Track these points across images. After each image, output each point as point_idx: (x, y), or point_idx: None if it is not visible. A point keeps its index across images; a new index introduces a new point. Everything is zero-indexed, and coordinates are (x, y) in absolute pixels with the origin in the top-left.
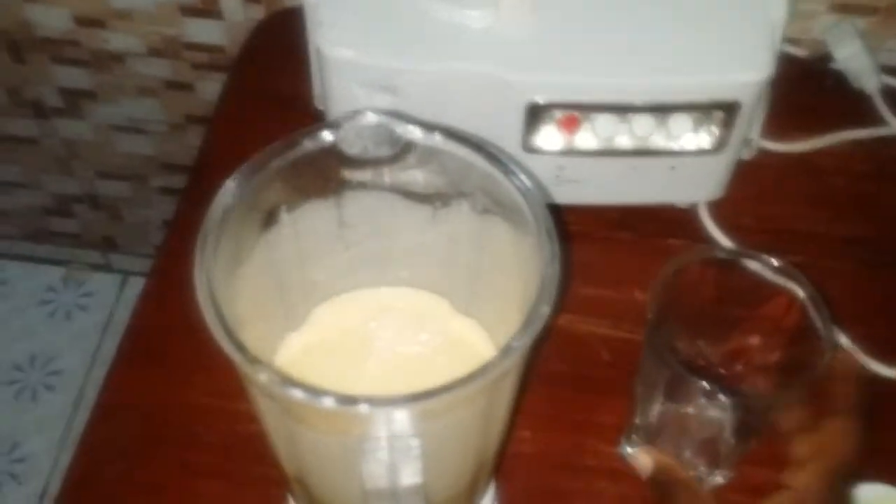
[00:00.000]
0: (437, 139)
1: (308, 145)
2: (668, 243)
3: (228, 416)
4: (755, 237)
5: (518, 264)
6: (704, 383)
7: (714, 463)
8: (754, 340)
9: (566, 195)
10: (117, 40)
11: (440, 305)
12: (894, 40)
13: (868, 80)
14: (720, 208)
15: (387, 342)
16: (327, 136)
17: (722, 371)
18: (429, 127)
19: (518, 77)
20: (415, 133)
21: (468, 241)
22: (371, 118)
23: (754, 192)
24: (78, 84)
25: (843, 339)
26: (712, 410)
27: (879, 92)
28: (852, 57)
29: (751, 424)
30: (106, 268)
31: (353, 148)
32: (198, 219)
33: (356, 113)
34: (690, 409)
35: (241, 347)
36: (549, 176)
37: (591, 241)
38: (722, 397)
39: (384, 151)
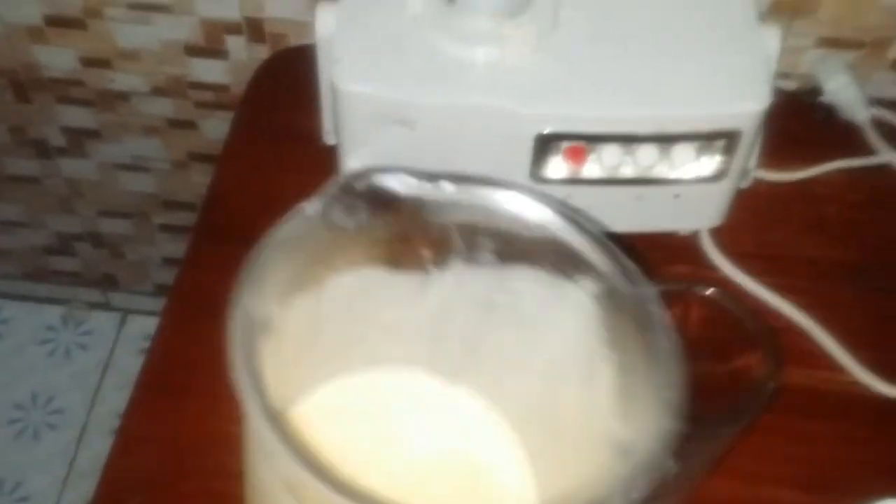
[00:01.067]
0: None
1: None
2: (671, 270)
3: None
4: (754, 262)
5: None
6: None
7: None
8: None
9: None
10: (122, 80)
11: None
12: (882, 72)
13: (858, 111)
14: (721, 235)
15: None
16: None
17: None
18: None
19: (527, 110)
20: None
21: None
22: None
23: (752, 219)
24: (82, 123)
25: (844, 359)
26: None
27: (869, 123)
28: (841, 89)
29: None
30: (105, 306)
31: None
32: (210, 252)
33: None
34: None
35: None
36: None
37: None
38: None
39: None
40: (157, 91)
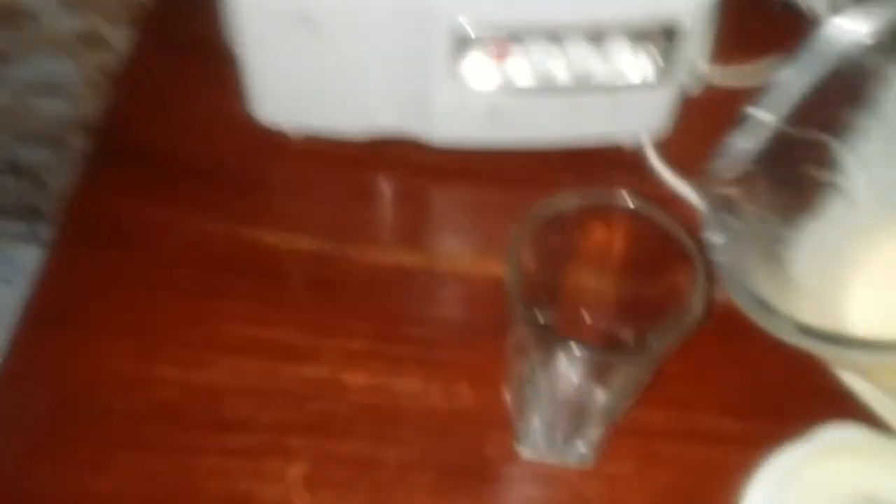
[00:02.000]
0: None
1: None
2: (616, 184)
3: (145, 382)
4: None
5: None
6: (566, 341)
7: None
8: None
9: (504, 137)
10: None
11: None
12: None
13: (817, 1)
14: (668, 146)
15: None
16: None
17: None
18: None
19: (441, 1)
20: None
21: None
22: None
23: (703, 127)
24: None
25: None
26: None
27: (829, 11)
28: None
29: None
30: (32, 238)
31: None
32: (109, 180)
33: None
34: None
35: None
36: (483, 116)
37: (535, 185)
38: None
39: None
40: (65, 4)
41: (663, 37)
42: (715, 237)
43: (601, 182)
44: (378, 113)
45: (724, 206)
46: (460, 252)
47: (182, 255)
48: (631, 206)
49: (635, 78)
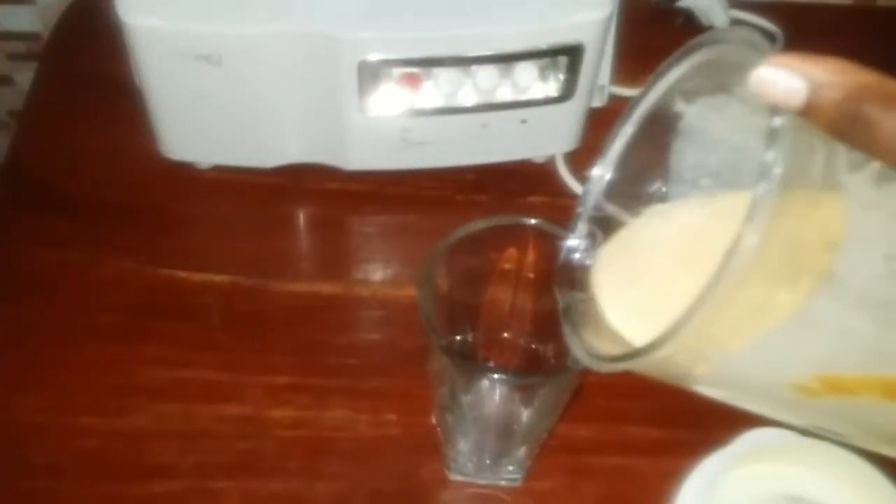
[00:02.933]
0: None
1: None
2: (529, 201)
3: (65, 432)
4: None
5: None
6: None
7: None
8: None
9: (416, 159)
10: None
11: None
12: None
13: (717, 15)
14: (578, 159)
15: None
16: None
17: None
18: None
19: (346, 35)
20: None
21: None
22: None
23: None
24: None
25: None
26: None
27: (729, 25)
28: None
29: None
30: None
31: None
32: (15, 219)
33: None
34: (486, 403)
35: None
36: (394, 140)
37: (450, 205)
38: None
39: None
40: None
41: (567, 57)
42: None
43: (516, 197)
44: (288, 145)
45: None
46: (379, 277)
47: (95, 300)
48: (539, 225)
49: (542, 97)
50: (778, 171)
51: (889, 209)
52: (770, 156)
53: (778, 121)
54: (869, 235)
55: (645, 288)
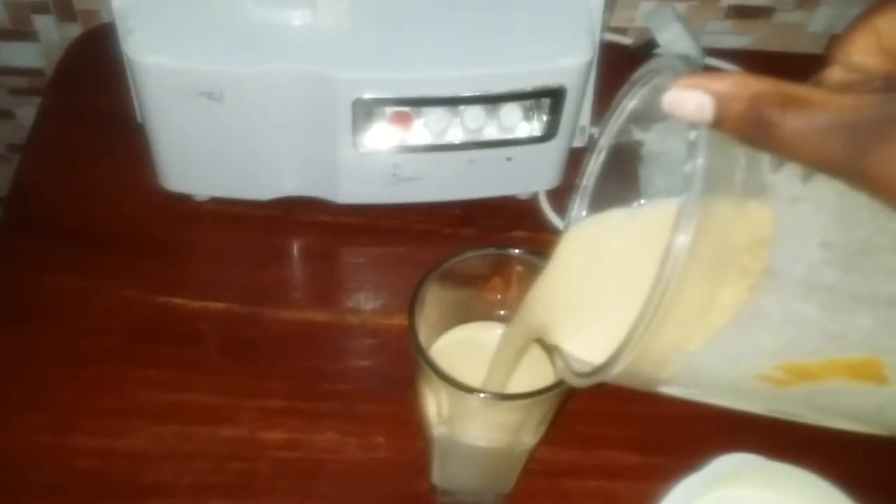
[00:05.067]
0: None
1: None
2: (513, 235)
3: (65, 453)
4: None
5: None
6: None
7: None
8: None
9: (405, 194)
10: None
11: None
12: (714, 23)
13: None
14: (559, 196)
15: None
16: None
17: None
18: None
19: (343, 74)
20: None
21: None
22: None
23: None
24: None
25: None
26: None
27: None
28: (675, 41)
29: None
30: None
31: None
32: (19, 248)
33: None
34: (472, 422)
35: None
36: (384, 175)
37: (438, 238)
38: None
39: None
40: None
41: (550, 99)
42: None
43: (500, 231)
44: (283, 178)
45: None
46: (370, 307)
47: (96, 325)
48: (524, 255)
49: (526, 136)
50: (699, 178)
51: (817, 201)
52: (689, 166)
53: (693, 134)
54: (802, 227)
55: (593, 311)
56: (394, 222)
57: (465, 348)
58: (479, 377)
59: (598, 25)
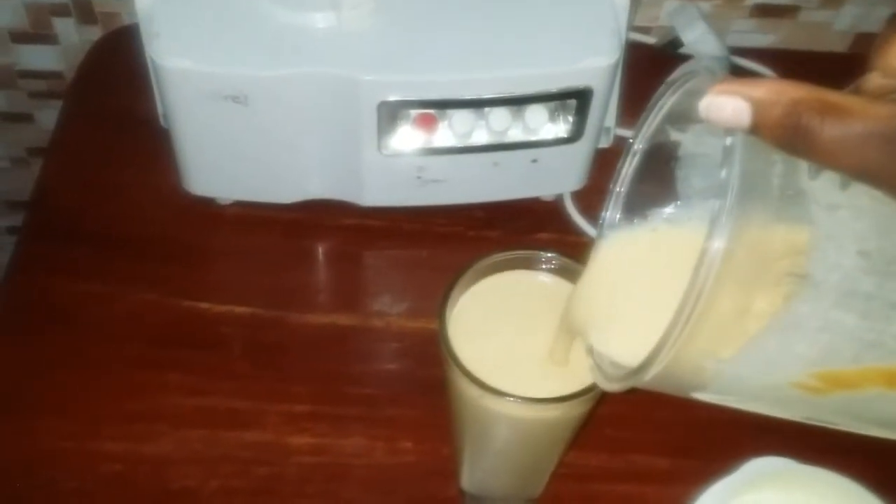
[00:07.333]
0: None
1: None
2: (538, 238)
3: (91, 458)
4: None
5: None
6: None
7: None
8: None
9: (430, 197)
10: None
11: None
12: (740, 21)
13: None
14: (585, 198)
15: None
16: None
17: None
18: None
19: (367, 77)
20: None
21: None
22: None
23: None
24: None
25: None
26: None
27: (729, 71)
28: (700, 40)
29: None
30: None
31: None
32: (41, 252)
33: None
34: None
35: None
36: (409, 178)
37: (461, 241)
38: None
39: None
40: None
41: (576, 101)
42: None
43: (525, 233)
44: (307, 181)
45: None
46: (394, 310)
47: (120, 329)
48: (553, 258)
49: (552, 138)
50: (734, 184)
51: (855, 209)
52: (725, 172)
53: (730, 140)
54: (839, 235)
55: (629, 315)
56: (417, 225)
57: (491, 304)
58: (507, 340)
59: (624, 25)
